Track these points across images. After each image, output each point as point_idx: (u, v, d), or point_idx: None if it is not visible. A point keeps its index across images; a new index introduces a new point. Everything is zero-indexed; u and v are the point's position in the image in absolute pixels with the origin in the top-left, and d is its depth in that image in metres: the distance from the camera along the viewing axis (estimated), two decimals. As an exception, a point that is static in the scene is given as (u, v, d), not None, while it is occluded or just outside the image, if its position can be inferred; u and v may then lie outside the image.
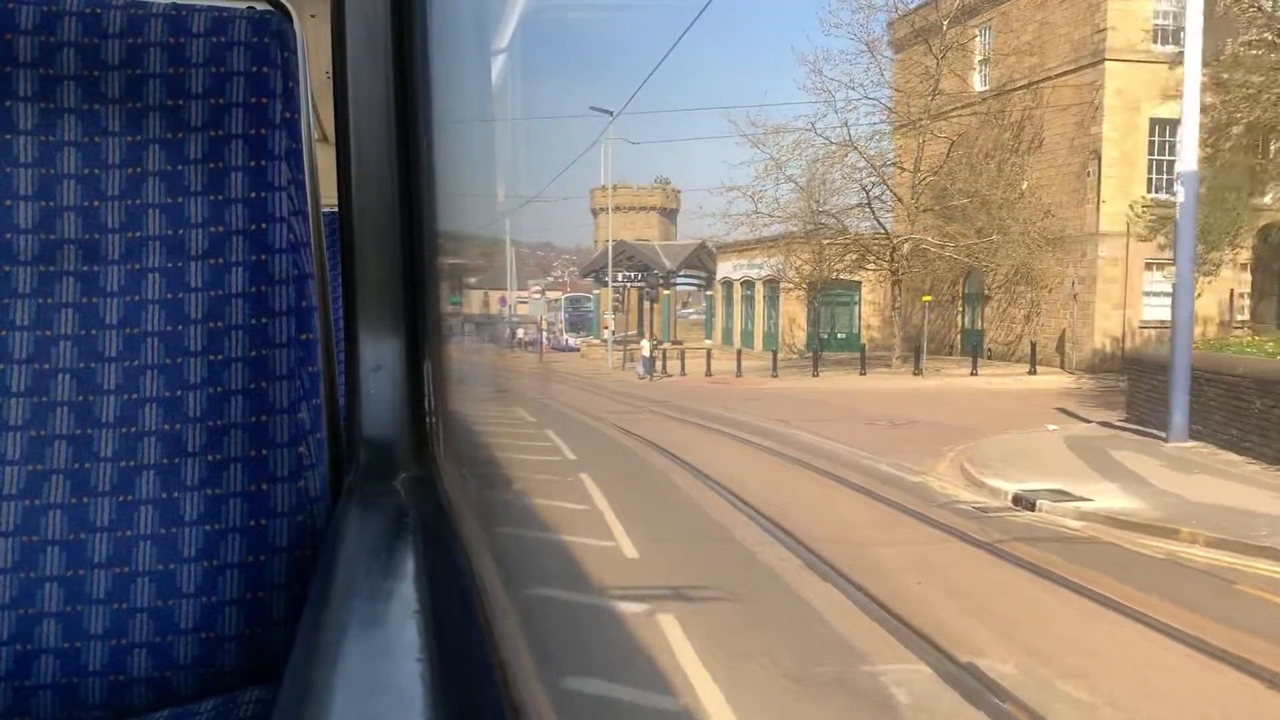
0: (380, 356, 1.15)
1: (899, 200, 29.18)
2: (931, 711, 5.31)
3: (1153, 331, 27.62)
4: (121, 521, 1.07)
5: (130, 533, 1.07)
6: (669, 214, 70.47)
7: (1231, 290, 27.00)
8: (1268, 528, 8.91)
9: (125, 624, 1.06)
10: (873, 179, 29.43)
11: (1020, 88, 29.11)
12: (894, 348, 29.66)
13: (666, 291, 44.94)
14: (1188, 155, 13.92)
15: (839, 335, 36.86)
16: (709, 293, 47.68)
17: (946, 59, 29.08)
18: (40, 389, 1.07)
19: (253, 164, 1.11)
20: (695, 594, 7.45)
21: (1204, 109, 20.30)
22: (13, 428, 1.06)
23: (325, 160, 1.21)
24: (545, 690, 1.30)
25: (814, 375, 28.26)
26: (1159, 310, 27.93)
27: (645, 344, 31.97)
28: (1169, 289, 27.35)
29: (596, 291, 48.23)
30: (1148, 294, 27.64)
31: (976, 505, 10.71)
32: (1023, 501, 10.71)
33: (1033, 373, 26.81)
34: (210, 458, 1.09)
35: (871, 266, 30.91)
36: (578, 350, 45.33)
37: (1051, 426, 17.41)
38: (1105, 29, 26.47)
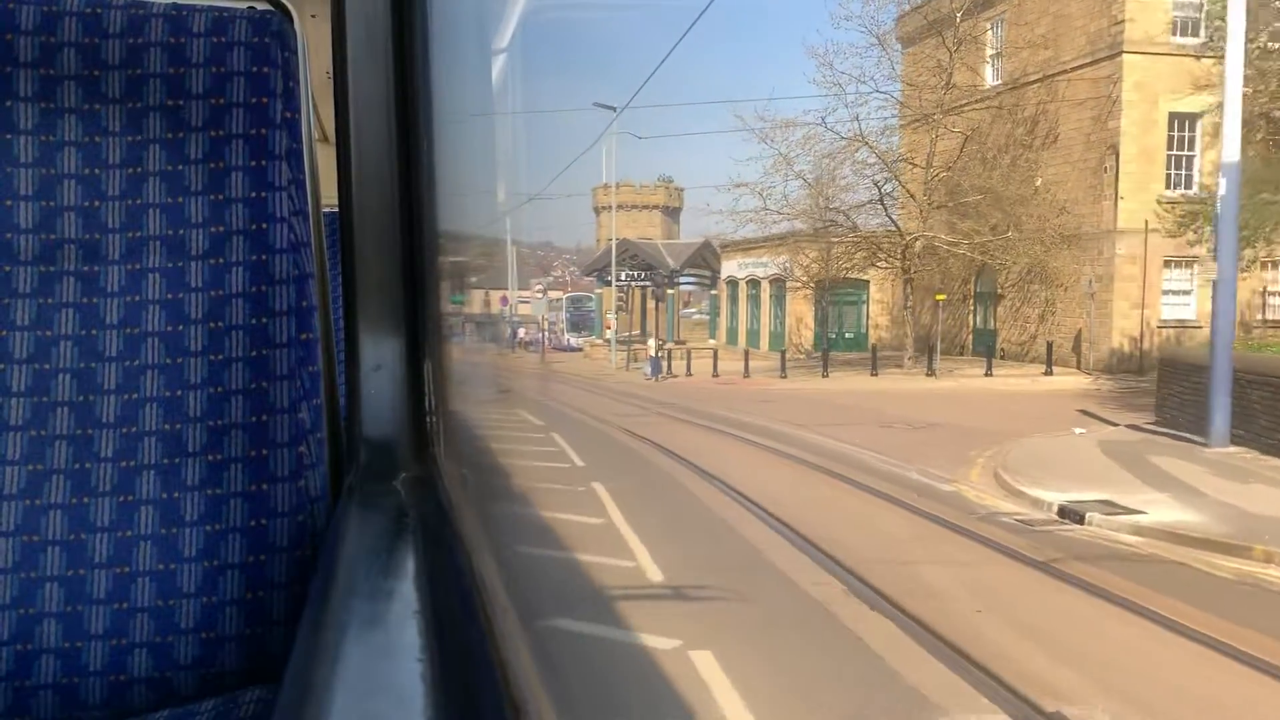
0: (380, 356, 1.14)
1: (911, 196, 28.36)
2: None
3: (1171, 331, 26.84)
4: (122, 521, 1.07)
5: (130, 533, 1.07)
6: (672, 212, 69.70)
7: (1264, 287, 26.19)
8: (1350, 545, 8.13)
9: (125, 624, 1.06)
10: (884, 175, 28.55)
11: (1034, 81, 28.27)
12: (905, 348, 28.90)
13: (670, 291, 44.12)
14: (1230, 145, 13.15)
15: (847, 335, 36.20)
16: (713, 292, 46.84)
17: (960, 51, 28.20)
18: (40, 389, 1.07)
19: (253, 164, 1.12)
20: (732, 624, 6.63)
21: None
22: (13, 428, 1.06)
23: (325, 160, 1.20)
24: (545, 690, 1.21)
25: (823, 376, 27.68)
26: (1178, 309, 27.27)
27: (652, 344, 31.12)
28: (1188, 287, 26.90)
29: (599, 291, 47.46)
30: (1166, 292, 26.93)
31: (1019, 517, 9.97)
32: (1070, 514, 9.93)
33: (1049, 373, 26.19)
34: (211, 458, 1.09)
35: (883, 264, 30.21)
36: (581, 350, 44.63)
37: (1078, 429, 16.79)
38: (1123, 20, 25.82)
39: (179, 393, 1.09)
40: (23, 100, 1.09)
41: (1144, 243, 26.49)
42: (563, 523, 9.56)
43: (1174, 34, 26.42)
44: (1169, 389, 16.81)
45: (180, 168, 1.11)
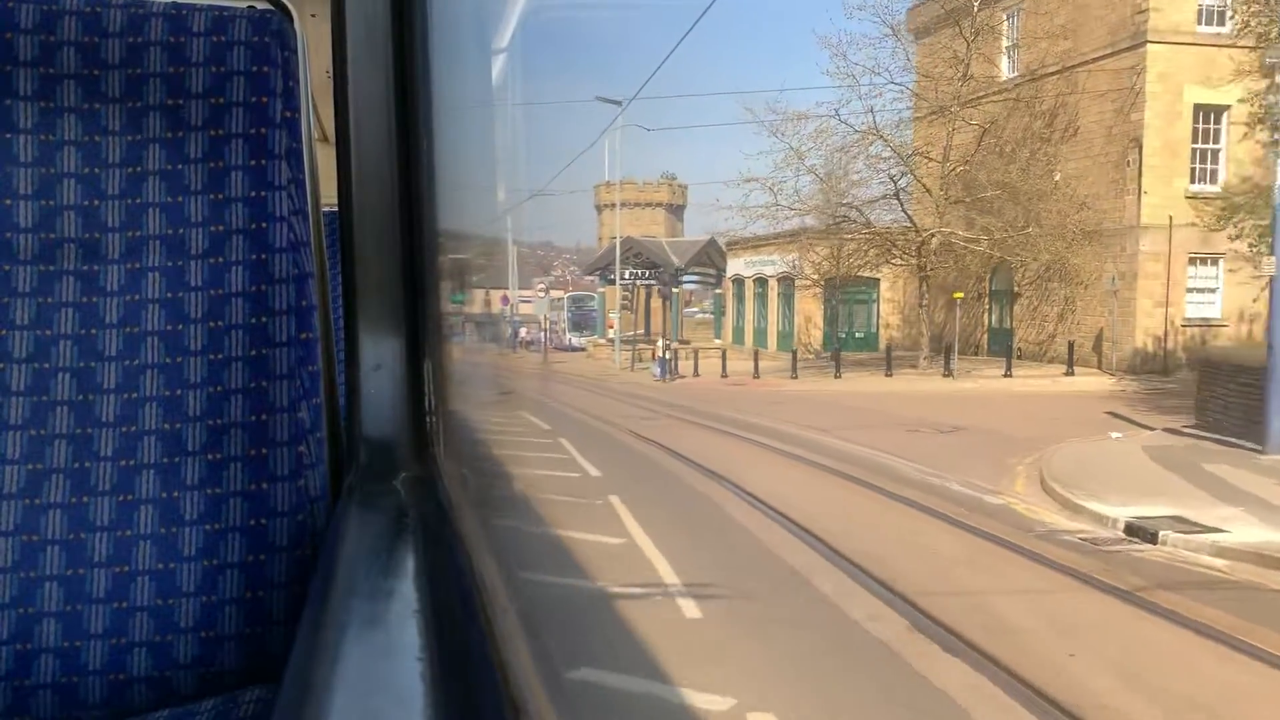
0: (380, 356, 1.14)
1: (927, 191, 27.36)
2: None
3: (1196, 330, 25.88)
4: (121, 521, 1.07)
5: (130, 532, 1.07)
6: (675, 210, 68.70)
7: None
8: None
9: (125, 623, 1.06)
10: (900, 169, 27.52)
11: (1054, 73, 27.27)
12: (920, 347, 27.96)
13: (676, 290, 43.10)
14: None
15: (856, 334, 35.34)
16: (718, 291, 45.79)
17: (977, 42, 27.20)
18: (40, 388, 1.08)
19: (253, 163, 1.12)
20: (790, 673, 5.63)
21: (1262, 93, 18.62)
22: (13, 427, 1.07)
23: (325, 160, 1.21)
24: (545, 690, 1.21)
25: (836, 377, 26.69)
26: (1203, 307, 26.36)
27: (661, 343, 30.12)
28: (1214, 285, 25.94)
29: (601, 290, 46.42)
30: (1191, 290, 25.96)
31: (1083, 536, 9.02)
32: (1140, 532, 8.95)
33: (1070, 374, 25.38)
34: (210, 457, 1.09)
35: (898, 261, 29.18)
36: (583, 350, 43.62)
37: (1115, 434, 15.98)
38: (1147, 9, 25.02)
39: (179, 392, 1.10)
40: (22, 99, 1.10)
41: (1168, 239, 25.54)
42: (579, 543, 8.54)
43: (1199, 23, 25.39)
44: (1211, 391, 15.91)
45: (180, 167, 1.12)
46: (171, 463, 1.08)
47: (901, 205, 28.60)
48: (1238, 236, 21.41)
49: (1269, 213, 15.61)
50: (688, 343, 39.47)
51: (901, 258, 29.49)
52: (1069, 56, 27.90)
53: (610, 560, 8.19)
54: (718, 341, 41.83)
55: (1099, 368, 26.69)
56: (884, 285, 35.67)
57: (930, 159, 28.65)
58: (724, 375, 29.25)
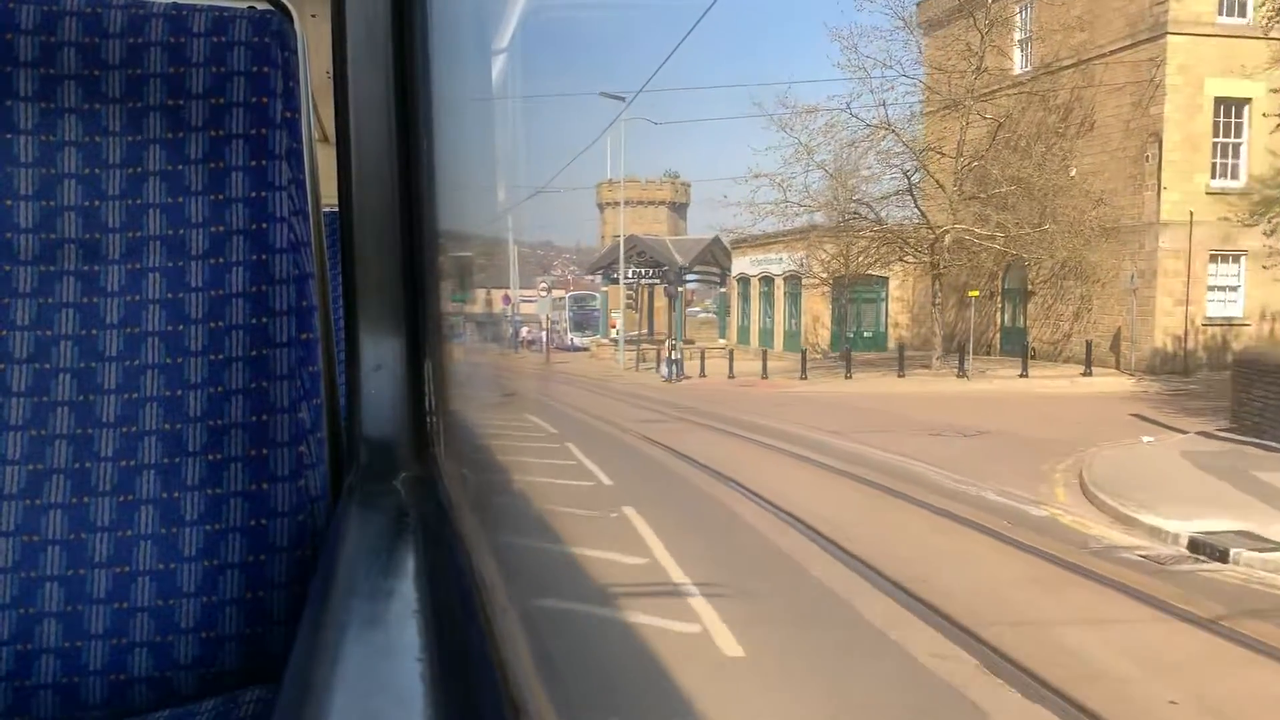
0: (380, 356, 1.14)
1: (940, 187, 26.54)
2: None
3: (1218, 329, 25.09)
4: (122, 521, 1.08)
5: (130, 532, 1.08)
6: (678, 208, 67.80)
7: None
8: None
9: (126, 623, 1.07)
10: (913, 164, 26.70)
11: (1070, 66, 26.44)
12: (933, 347, 27.21)
13: (682, 289, 42.28)
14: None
15: (865, 334, 34.66)
16: (722, 290, 44.95)
17: (991, 34, 26.38)
18: (41, 388, 1.09)
19: (253, 164, 1.13)
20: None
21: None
22: (13, 427, 1.07)
23: (325, 160, 1.22)
24: (545, 690, 1.19)
25: (847, 378, 25.94)
26: (1225, 306, 25.59)
27: (669, 343, 29.35)
28: (1236, 282, 25.19)
29: (604, 289, 45.59)
30: (1212, 288, 25.17)
31: (1144, 553, 8.29)
32: (1206, 549, 8.20)
33: (1088, 374, 24.66)
34: (211, 457, 1.10)
35: (910, 259, 28.32)
36: (586, 350, 42.84)
37: (1147, 438, 15.34)
38: (1167, 0, 23.87)
39: (179, 392, 1.10)
40: (23, 100, 1.10)
41: (1188, 235, 24.75)
42: (593, 562, 7.75)
43: (1220, 14, 24.63)
44: (1248, 392, 15.21)
45: (180, 167, 1.12)
46: (172, 463, 1.09)
47: (915, 201, 27.78)
48: (1272, 232, 20.64)
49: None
50: (692, 343, 38.68)
51: (914, 255, 28.71)
52: (1085, 49, 27.17)
53: (630, 582, 7.39)
54: (721, 341, 41.07)
55: (1117, 368, 26.03)
56: (893, 284, 34.86)
57: (943, 154, 27.83)
58: (731, 376, 28.82)
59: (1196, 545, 8.52)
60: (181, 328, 1.09)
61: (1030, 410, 19.35)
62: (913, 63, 29.10)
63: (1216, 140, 25.58)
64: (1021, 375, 25.36)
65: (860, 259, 29.85)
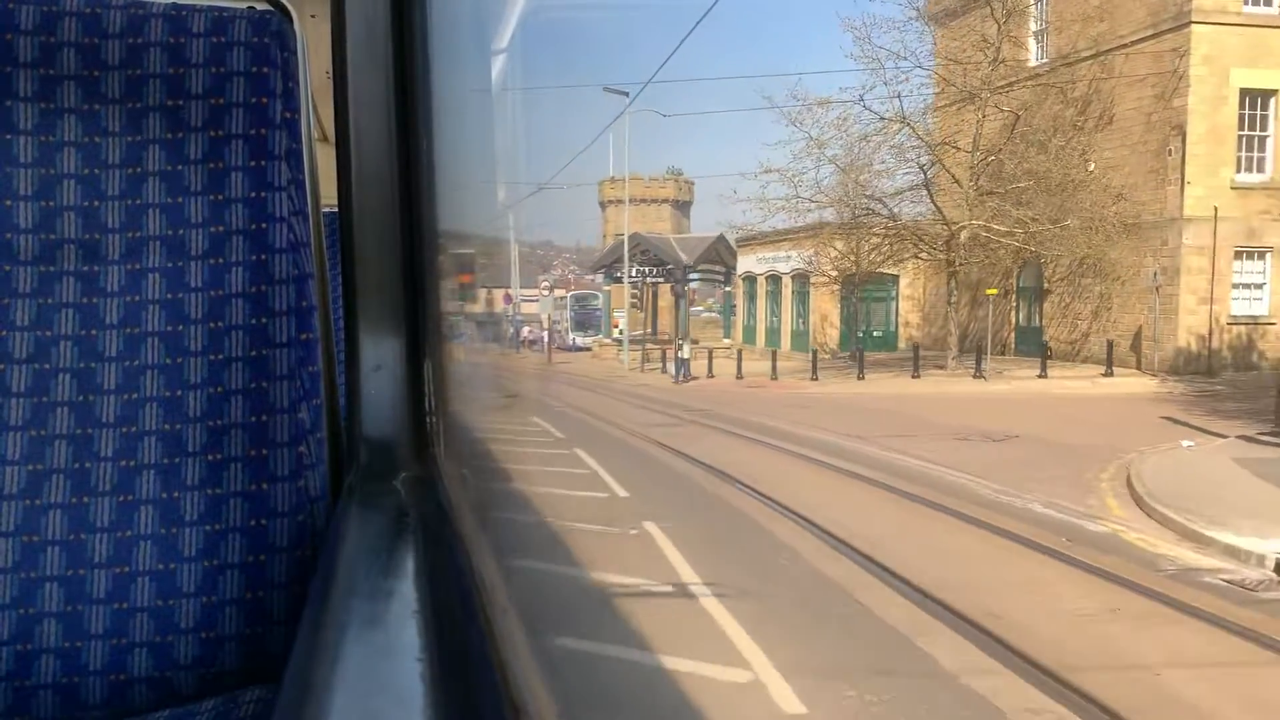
0: (380, 356, 1.15)
1: (956, 182, 25.64)
2: None
3: (1243, 328, 24.23)
4: (122, 521, 1.08)
5: (130, 532, 1.08)
6: (682, 206, 66.78)
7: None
8: None
9: (126, 624, 1.07)
10: (929, 158, 25.79)
11: (1089, 57, 25.54)
12: (948, 347, 26.42)
13: (689, 287, 41.40)
14: None
15: (874, 333, 33.92)
16: (727, 289, 44.06)
17: (1008, 24, 25.47)
18: (40, 389, 1.09)
19: (253, 164, 1.13)
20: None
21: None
22: (13, 427, 1.08)
23: (325, 160, 1.22)
24: (545, 690, 1.18)
25: (859, 378, 25.11)
26: (1250, 305, 24.72)
27: (678, 343, 28.53)
28: (1262, 280, 24.32)
29: (606, 288, 44.72)
30: (1237, 286, 24.33)
31: (1227, 577, 7.38)
32: (1300, 572, 7.24)
33: (1109, 374, 23.73)
34: (210, 457, 1.10)
35: (924, 256, 27.43)
36: (588, 350, 41.97)
37: (1186, 443, 14.67)
38: (1192, -12, 23.13)
39: (179, 392, 1.10)
40: (22, 100, 1.11)
41: (1213, 231, 23.91)
42: (617, 592, 6.85)
43: (1246, 3, 23.77)
44: (1298, 395, 14.22)
45: (180, 168, 1.12)
46: (172, 463, 1.09)
47: (931, 197, 26.88)
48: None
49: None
50: (697, 342, 37.83)
51: (928, 252, 27.78)
52: (1104, 39, 26.31)
53: (662, 615, 6.49)
54: (726, 341, 40.18)
55: (1138, 368, 25.33)
56: (903, 282, 33.95)
57: (959, 148, 26.91)
58: (739, 377, 28.07)
59: (1285, 568, 7.65)
60: (181, 328, 1.10)
61: (1055, 412, 18.78)
62: (928, 54, 28.37)
63: (1242, 133, 25.07)
64: (1040, 376, 24.80)
65: (871, 256, 28.98)
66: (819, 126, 27.27)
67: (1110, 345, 25.13)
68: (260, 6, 1.15)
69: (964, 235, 26.73)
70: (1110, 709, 4.96)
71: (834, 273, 31.07)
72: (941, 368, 27.05)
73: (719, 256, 43.08)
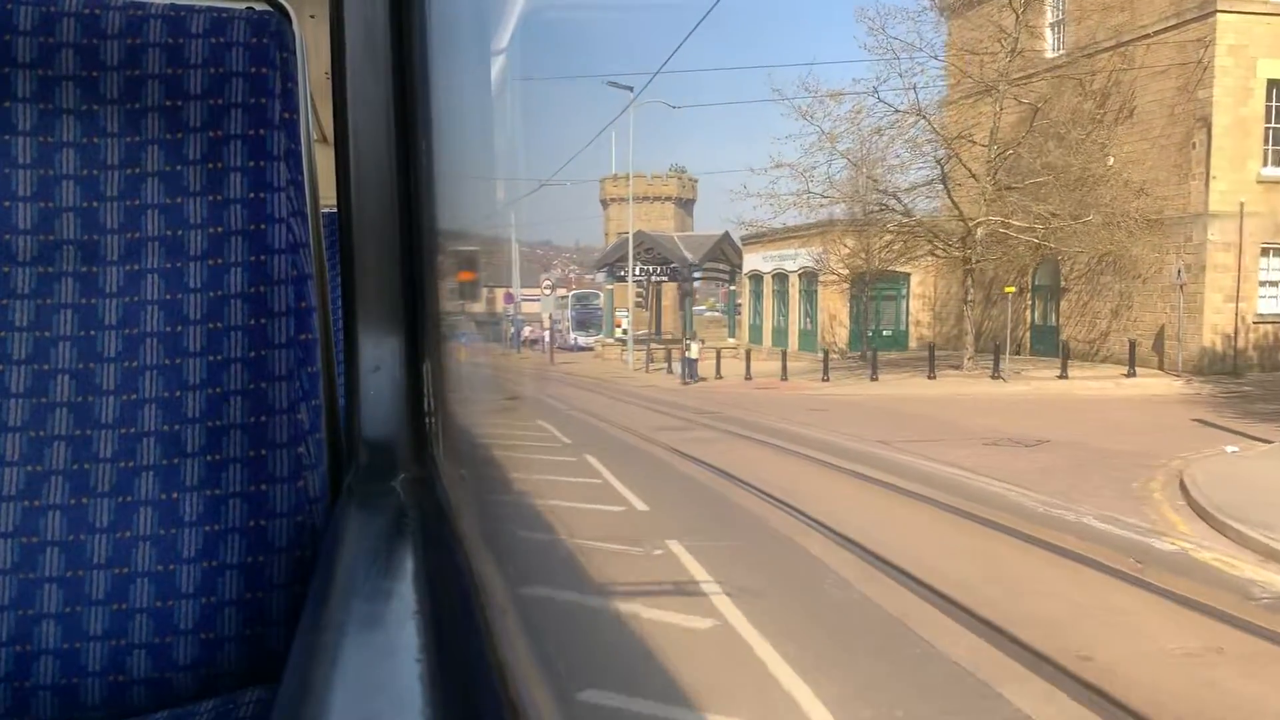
0: (380, 357, 1.15)
1: (973, 177, 24.78)
2: None
3: (1269, 327, 23.41)
4: (121, 522, 1.08)
5: (130, 533, 1.08)
6: (685, 204, 65.94)
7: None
8: None
9: (125, 625, 1.07)
10: (946, 152, 24.94)
11: (1108, 48, 24.69)
12: (965, 347, 25.64)
13: (694, 285, 40.64)
14: None
15: (884, 332, 33.14)
16: (732, 287, 43.21)
17: (1026, 15, 24.63)
18: (39, 390, 1.09)
19: (252, 164, 1.13)
20: None
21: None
22: (12, 429, 1.08)
23: (325, 160, 1.23)
24: (545, 690, 1.18)
25: (873, 379, 24.31)
26: (1278, 303, 23.75)
27: (686, 342, 27.74)
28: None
29: (608, 287, 43.89)
30: (1264, 284, 23.55)
31: (1333, 606, 6.41)
32: None
33: (1131, 375, 22.86)
34: (210, 458, 1.11)
35: (940, 253, 26.56)
36: (590, 349, 41.15)
37: (1230, 448, 13.73)
38: (1216, -23, 22.35)
39: (178, 393, 1.11)
40: (21, 101, 1.11)
41: (1239, 227, 23.09)
42: (647, 624, 5.97)
43: (1274, -9, 23.11)
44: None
45: (179, 168, 1.12)
46: (171, 464, 1.09)
47: (948, 192, 26.03)
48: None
49: None
50: (704, 342, 37.02)
51: (944, 249, 26.91)
52: (1125, 30, 25.47)
53: (702, 658, 5.60)
54: (731, 341, 39.37)
55: (1160, 368, 24.65)
56: (914, 280, 33.11)
57: (975, 142, 26.05)
58: (748, 377, 27.35)
59: (1399, 596, 6.80)
60: (180, 329, 1.10)
61: (1082, 415, 18.18)
62: (944, 46, 27.44)
63: (1269, 126, 24.58)
64: (1060, 376, 24.14)
65: (883, 253, 28.17)
66: (831, 120, 26.60)
67: (1132, 345, 24.52)
68: (259, 7, 1.16)
69: (981, 231, 26.23)
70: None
71: (844, 270, 30.50)
72: (957, 368, 26.55)
73: (724, 254, 42.35)
